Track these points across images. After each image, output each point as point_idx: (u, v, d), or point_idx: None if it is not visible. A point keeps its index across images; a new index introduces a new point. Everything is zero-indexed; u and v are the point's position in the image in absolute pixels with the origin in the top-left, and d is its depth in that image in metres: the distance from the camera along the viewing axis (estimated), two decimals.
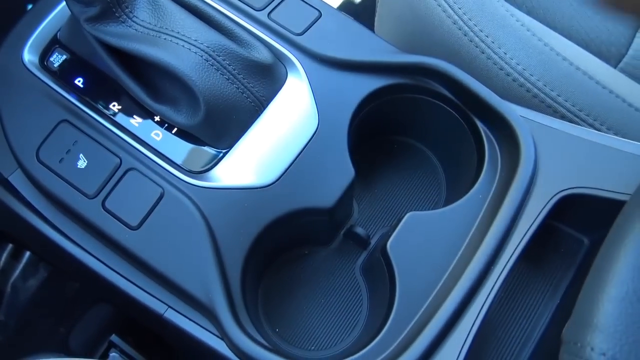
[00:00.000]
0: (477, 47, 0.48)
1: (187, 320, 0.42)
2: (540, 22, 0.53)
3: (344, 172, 0.44)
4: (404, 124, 0.53)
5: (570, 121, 0.47)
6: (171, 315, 0.42)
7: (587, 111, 0.47)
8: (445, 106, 0.49)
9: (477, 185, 0.44)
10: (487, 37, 0.48)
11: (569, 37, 0.53)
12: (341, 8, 0.99)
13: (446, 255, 0.41)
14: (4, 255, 0.77)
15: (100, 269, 0.43)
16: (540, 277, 0.44)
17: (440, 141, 0.52)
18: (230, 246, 0.41)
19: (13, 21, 0.53)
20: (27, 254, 0.78)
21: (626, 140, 0.42)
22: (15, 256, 0.78)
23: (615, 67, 0.55)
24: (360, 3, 0.98)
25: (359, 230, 0.50)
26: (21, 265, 0.79)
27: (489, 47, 0.48)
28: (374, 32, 0.50)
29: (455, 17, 0.49)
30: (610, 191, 0.40)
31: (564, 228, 0.44)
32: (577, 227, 0.44)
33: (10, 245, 0.77)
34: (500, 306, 0.42)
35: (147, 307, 0.42)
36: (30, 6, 0.57)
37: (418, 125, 0.52)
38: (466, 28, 0.48)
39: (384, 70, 0.47)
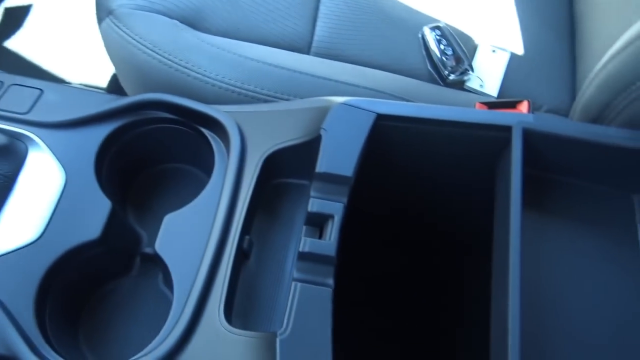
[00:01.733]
0: (182, 73, 0.60)
1: None
2: (236, 39, 0.66)
3: (101, 205, 0.52)
4: (159, 152, 0.62)
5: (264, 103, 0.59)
6: None
7: (281, 92, 0.60)
8: (177, 126, 0.59)
9: (214, 173, 0.54)
10: (187, 63, 0.60)
11: (262, 42, 0.67)
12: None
13: (202, 232, 0.50)
14: None
15: None
16: (286, 222, 0.54)
17: (191, 154, 0.62)
18: (16, 300, 0.47)
19: None
20: None
21: (305, 99, 0.55)
22: None
23: (308, 53, 0.69)
24: None
25: (149, 250, 0.58)
26: None
27: (190, 70, 0.59)
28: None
29: (158, 57, 0.60)
30: (298, 138, 0.52)
31: (289, 181, 0.55)
32: (296, 175, 0.55)
33: None
34: (256, 255, 0.52)
35: None
36: None
37: (170, 149, 0.62)
38: (169, 62, 0.60)
39: (112, 115, 0.56)
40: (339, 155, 0.48)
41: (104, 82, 1.01)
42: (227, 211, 0.50)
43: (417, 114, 0.50)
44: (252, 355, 0.42)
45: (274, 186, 0.56)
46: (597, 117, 0.55)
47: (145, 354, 0.45)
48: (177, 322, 0.46)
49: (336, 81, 0.62)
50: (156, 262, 0.58)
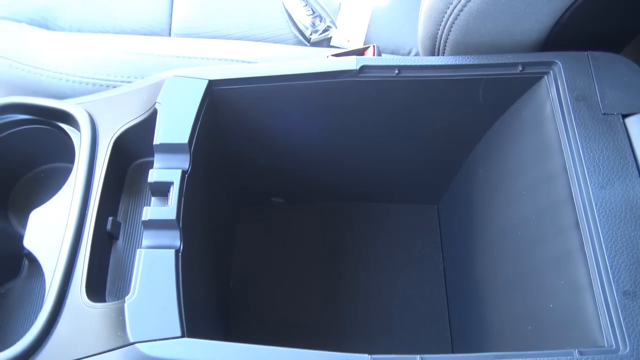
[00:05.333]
0: (35, 74, 0.61)
1: None
2: (91, 32, 0.67)
3: None
4: (31, 155, 0.63)
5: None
6: None
7: (134, 76, 0.62)
8: (38, 126, 0.60)
9: (74, 164, 0.55)
10: (38, 63, 0.61)
11: (120, 31, 0.68)
12: None
13: (64, 221, 0.52)
14: None
15: None
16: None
17: (61, 151, 0.63)
18: None
19: None
20: None
21: (145, 78, 0.56)
22: None
23: (169, 35, 0.70)
24: None
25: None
26: None
27: (43, 70, 0.61)
28: None
29: (9, 62, 0.61)
30: (139, 117, 0.53)
31: (150, 159, 0.55)
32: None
33: None
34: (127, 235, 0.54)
35: None
36: None
37: (41, 150, 0.63)
38: (20, 65, 0.61)
39: None
40: (174, 125, 0.50)
41: None
42: (82, 196, 0.51)
43: (246, 74, 0.52)
44: (107, 323, 0.44)
45: (137, 167, 0.58)
46: (432, 50, 0.58)
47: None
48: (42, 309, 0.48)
49: (190, 57, 0.64)
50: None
